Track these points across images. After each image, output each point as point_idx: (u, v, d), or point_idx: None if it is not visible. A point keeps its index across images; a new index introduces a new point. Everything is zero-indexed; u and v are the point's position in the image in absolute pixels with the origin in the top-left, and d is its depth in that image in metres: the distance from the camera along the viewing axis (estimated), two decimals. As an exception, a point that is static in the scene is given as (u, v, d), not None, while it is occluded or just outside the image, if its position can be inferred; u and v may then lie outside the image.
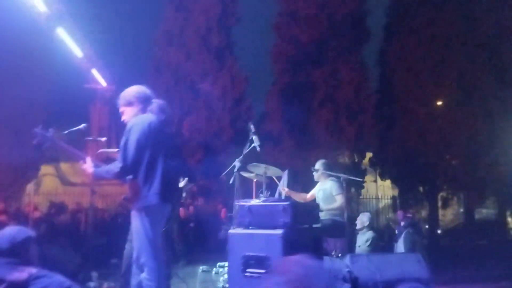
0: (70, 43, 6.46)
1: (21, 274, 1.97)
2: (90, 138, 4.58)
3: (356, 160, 14.61)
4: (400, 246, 5.77)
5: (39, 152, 3.04)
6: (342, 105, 13.96)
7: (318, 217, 3.29)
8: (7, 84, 10.83)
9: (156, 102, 3.02)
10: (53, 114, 10.53)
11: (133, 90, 3.06)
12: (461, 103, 13.66)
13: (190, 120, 13.37)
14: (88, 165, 2.88)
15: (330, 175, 5.15)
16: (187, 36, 13.84)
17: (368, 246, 5.40)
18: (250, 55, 16.53)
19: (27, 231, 2.24)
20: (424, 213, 16.08)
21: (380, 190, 18.15)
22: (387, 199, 17.14)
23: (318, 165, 5.34)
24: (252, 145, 4.79)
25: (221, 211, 9.68)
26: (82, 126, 3.59)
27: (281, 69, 14.61)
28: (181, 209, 10.04)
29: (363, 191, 16.00)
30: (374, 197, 17.12)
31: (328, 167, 5.26)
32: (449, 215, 17.68)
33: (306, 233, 2.77)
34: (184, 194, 6.48)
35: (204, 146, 13.21)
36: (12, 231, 2.19)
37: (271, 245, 2.36)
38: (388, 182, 17.28)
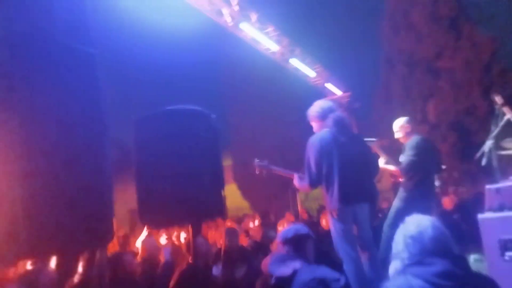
0: (303, 68, 7.40)
1: (286, 269, 2.39)
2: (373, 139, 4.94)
3: None
4: None
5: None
6: None
7: None
8: (260, 117, 13.22)
9: (331, 117, 3.38)
10: (299, 130, 12.05)
11: (313, 109, 3.52)
12: None
13: (434, 104, 12.58)
14: (296, 181, 3.49)
15: None
16: (413, 17, 13.19)
17: None
18: (493, 12, 14.19)
19: (308, 230, 2.78)
20: None
21: None
22: None
23: None
24: (505, 118, 4.30)
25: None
26: None
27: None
28: (445, 199, 9.54)
29: None
30: None
31: None
32: None
33: None
34: (437, 183, 6.28)
35: (456, 128, 12.13)
36: (298, 226, 2.78)
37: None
38: None
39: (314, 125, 3.55)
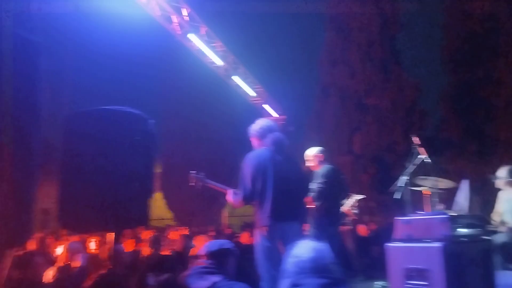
0: (244, 86, 7.58)
1: (205, 283, 2.43)
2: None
3: None
4: None
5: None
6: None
7: (485, 228, 3.10)
8: (197, 126, 13.22)
9: (270, 136, 3.49)
10: (234, 147, 12.31)
11: (254, 127, 3.62)
12: None
13: (360, 136, 13.43)
14: (229, 196, 3.52)
15: (516, 183, 4.62)
16: (349, 54, 14.08)
17: None
18: (419, 60, 15.67)
19: (233, 246, 2.82)
20: None
21: None
22: None
23: (502, 172, 4.84)
24: (419, 157, 4.72)
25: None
26: None
27: (453, 68, 13.43)
28: (361, 226, 10.18)
29: None
30: None
31: (514, 173, 4.73)
32: None
33: (470, 245, 2.69)
34: (356, 211, 6.69)
35: (377, 161, 13.03)
36: (223, 241, 2.81)
37: (431, 257, 2.42)
38: None
39: (254, 142, 3.65)
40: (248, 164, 3.40)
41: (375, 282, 5.26)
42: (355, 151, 13.51)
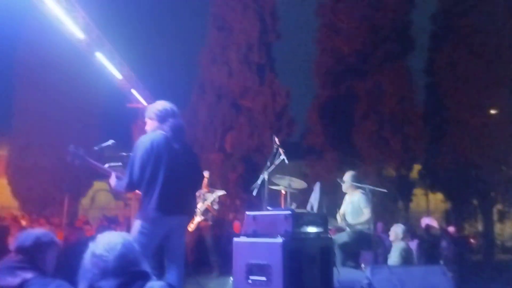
0: (110, 66, 6.92)
1: (14, 279, 2.08)
2: (124, 154, 4.82)
3: (402, 173, 14.14)
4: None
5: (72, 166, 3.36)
6: (386, 117, 13.63)
7: (327, 227, 3.30)
8: (55, 108, 11.93)
9: (170, 121, 3.20)
10: (99, 132, 11.43)
11: (155, 107, 3.28)
12: (516, 111, 12.90)
13: (232, 135, 13.66)
14: (112, 180, 3.18)
15: (358, 187, 5.11)
16: (229, 55, 14.25)
17: (400, 257, 5.23)
18: (291, 70, 16.66)
19: (53, 237, 2.41)
20: (480, 227, 15.16)
21: (432, 203, 17.36)
22: (439, 213, 16.35)
23: (347, 176, 5.33)
24: (281, 157, 4.85)
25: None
26: (110, 142, 3.86)
27: (322, 82, 14.60)
28: (236, 223, 10.35)
29: (413, 205, 15.39)
30: (424, 210, 16.47)
31: (356, 178, 5.22)
32: (508, 229, 16.46)
33: (311, 243, 2.79)
34: (216, 207, 6.68)
35: (246, 161, 13.40)
36: (39, 232, 2.38)
37: (272, 253, 2.43)
38: (440, 195, 16.50)
39: (150, 123, 3.27)
40: (140, 148, 3.02)
41: (231, 277, 5.28)
42: (227, 150, 13.70)
